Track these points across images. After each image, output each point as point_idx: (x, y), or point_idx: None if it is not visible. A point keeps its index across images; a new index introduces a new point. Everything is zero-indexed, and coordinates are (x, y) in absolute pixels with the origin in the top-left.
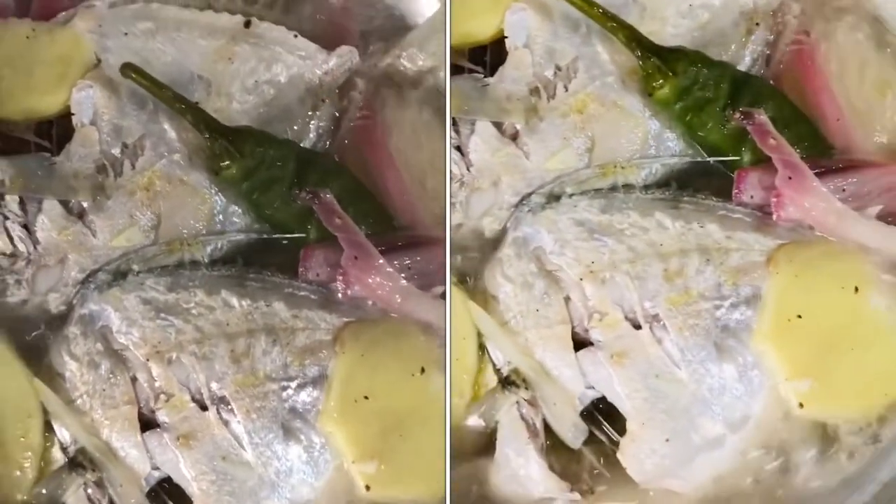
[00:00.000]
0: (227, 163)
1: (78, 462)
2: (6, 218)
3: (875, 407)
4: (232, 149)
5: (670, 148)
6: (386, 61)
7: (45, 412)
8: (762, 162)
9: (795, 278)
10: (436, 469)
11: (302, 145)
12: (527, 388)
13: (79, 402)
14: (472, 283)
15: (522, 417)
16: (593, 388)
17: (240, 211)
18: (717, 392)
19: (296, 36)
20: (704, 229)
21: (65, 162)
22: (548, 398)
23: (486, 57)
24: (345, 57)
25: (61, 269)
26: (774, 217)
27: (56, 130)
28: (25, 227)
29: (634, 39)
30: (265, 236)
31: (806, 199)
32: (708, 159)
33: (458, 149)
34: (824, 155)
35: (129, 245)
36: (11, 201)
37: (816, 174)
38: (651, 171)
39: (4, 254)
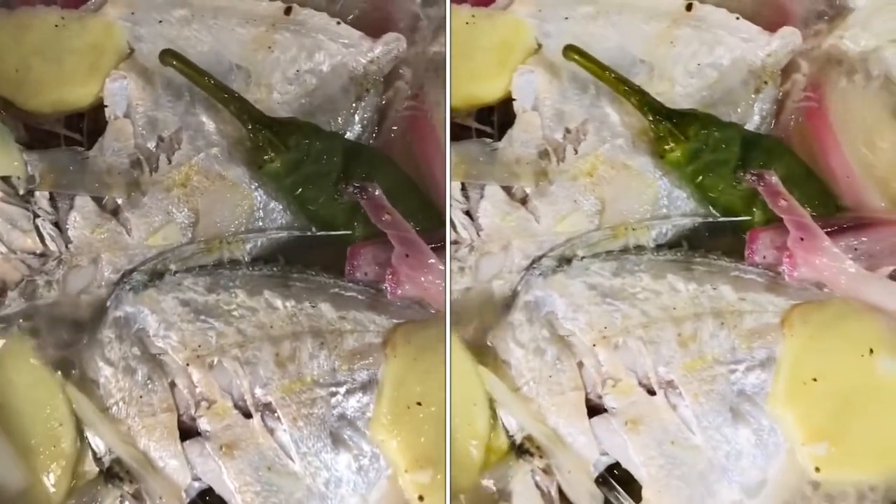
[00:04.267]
0: (270, 156)
1: (114, 473)
2: (36, 216)
3: (892, 470)
4: (276, 141)
5: (681, 207)
6: None
7: (78, 420)
8: (773, 221)
9: (810, 340)
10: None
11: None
12: (541, 457)
13: (114, 409)
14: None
15: (537, 485)
16: (607, 454)
17: (280, 208)
18: (734, 458)
19: (338, 23)
20: (717, 291)
21: (98, 156)
22: (562, 466)
23: (493, 117)
24: (391, 45)
25: (94, 269)
26: (787, 278)
27: (87, 123)
28: (56, 224)
29: (646, 104)
30: (309, 234)
31: (818, 260)
32: (720, 219)
33: (468, 213)
34: (834, 213)
35: (165, 244)
36: (42, 198)
37: (828, 233)
38: (661, 231)
39: (34, 253)
